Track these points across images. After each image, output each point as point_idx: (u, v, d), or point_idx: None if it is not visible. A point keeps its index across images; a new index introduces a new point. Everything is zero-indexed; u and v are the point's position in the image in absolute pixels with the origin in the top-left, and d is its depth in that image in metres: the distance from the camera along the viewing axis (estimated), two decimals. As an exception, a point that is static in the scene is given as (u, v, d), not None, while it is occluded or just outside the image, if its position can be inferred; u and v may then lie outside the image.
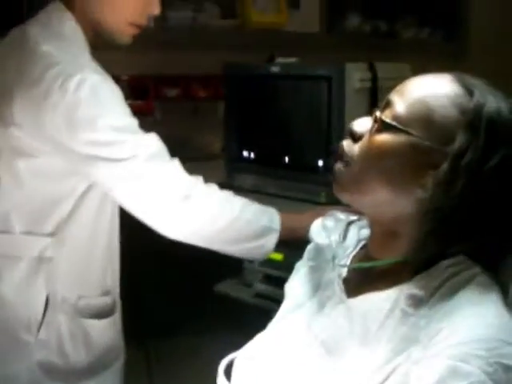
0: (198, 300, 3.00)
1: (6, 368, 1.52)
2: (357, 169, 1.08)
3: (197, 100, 3.67)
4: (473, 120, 1.01)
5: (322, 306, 1.17)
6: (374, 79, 2.24)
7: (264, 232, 1.65)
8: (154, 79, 3.48)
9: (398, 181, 1.04)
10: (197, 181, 1.54)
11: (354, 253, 1.24)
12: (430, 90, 1.06)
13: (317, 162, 2.25)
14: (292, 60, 2.38)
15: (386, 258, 1.10)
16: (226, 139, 2.57)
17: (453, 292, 0.99)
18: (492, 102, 1.03)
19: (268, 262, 2.38)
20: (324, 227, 1.33)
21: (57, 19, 1.52)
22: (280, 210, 2.34)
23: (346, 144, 1.12)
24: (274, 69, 2.33)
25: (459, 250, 1.04)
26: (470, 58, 4.23)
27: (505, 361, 0.89)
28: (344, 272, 1.20)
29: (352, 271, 1.19)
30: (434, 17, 4.38)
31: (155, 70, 3.46)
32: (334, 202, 2.16)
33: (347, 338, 1.06)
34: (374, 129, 1.07)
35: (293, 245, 2.34)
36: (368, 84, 2.24)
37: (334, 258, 1.23)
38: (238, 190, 2.47)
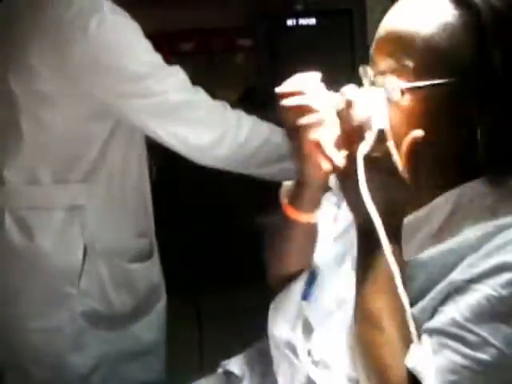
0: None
1: (49, 320, 1.51)
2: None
3: (212, 53, 3.69)
4: (489, 34, 0.86)
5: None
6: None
7: None
8: (167, 34, 3.48)
9: (451, 129, 0.88)
10: (225, 107, 1.53)
11: None
12: (426, 27, 0.87)
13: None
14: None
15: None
16: (257, 79, 2.63)
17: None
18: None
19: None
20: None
21: None
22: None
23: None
24: (299, 7, 2.35)
25: None
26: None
27: None
28: None
29: None
30: None
31: (168, 25, 3.46)
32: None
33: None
34: (395, 99, 0.89)
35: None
36: (390, 15, 2.20)
37: None
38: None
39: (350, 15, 2.16)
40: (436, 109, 0.87)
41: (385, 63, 0.91)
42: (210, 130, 1.46)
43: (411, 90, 0.87)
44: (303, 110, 1.03)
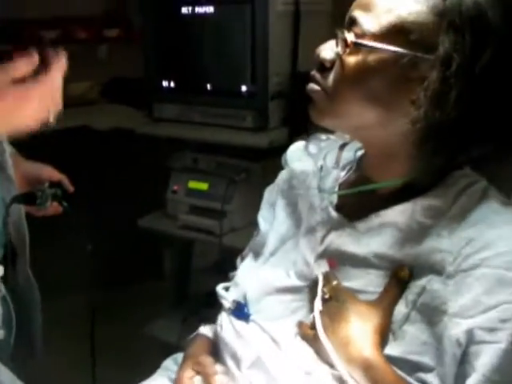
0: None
1: None
2: (335, 96, 1.00)
3: (76, 43, 3.56)
4: (452, 21, 0.91)
5: (309, 234, 1.11)
6: (297, 3, 2.20)
7: None
8: (28, 21, 3.35)
9: (386, 100, 0.96)
10: None
11: (343, 178, 1.16)
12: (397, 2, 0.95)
13: (241, 87, 2.22)
14: (213, -16, 2.32)
15: (388, 180, 1.03)
16: (145, 70, 2.50)
17: (473, 202, 0.95)
18: None
19: (193, 192, 2.38)
20: (307, 152, 1.23)
21: None
22: (206, 137, 2.34)
23: (317, 75, 1.03)
24: None
25: (463, 162, 1.00)
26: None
27: None
28: (334, 199, 1.12)
29: (344, 198, 1.11)
30: None
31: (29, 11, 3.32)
32: (260, 127, 2.22)
33: (360, 261, 1.01)
34: (346, 53, 0.98)
35: (216, 174, 2.36)
36: (291, 7, 2.20)
37: (319, 185, 1.15)
38: (160, 121, 2.45)
39: (252, 4, 2.13)
40: (379, 73, 0.96)
41: (351, 23, 0.99)
42: None
43: (361, 48, 0.96)
44: None
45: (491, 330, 0.84)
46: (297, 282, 1.08)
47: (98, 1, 3.60)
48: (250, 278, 1.16)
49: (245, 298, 1.12)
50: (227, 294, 1.18)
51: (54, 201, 1.52)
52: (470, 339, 0.85)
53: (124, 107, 3.37)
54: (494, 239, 0.89)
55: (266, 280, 1.12)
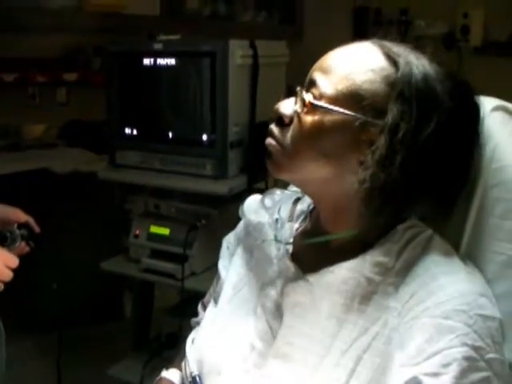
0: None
1: None
2: (291, 152, 1.05)
3: (35, 85, 3.63)
4: (401, 92, 0.98)
5: (268, 286, 1.14)
6: (255, 56, 2.32)
7: None
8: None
9: (337, 160, 1.02)
10: None
11: (299, 229, 1.20)
12: (354, 66, 1.02)
13: (201, 137, 2.31)
14: (175, 37, 2.41)
15: (340, 232, 1.08)
16: (108, 117, 2.55)
17: (415, 255, 0.99)
18: (418, 69, 1.00)
19: (155, 237, 2.44)
20: (263, 205, 1.27)
21: None
22: (168, 184, 2.41)
23: (276, 129, 1.08)
24: (157, 46, 2.35)
25: (410, 214, 1.05)
26: (304, 40, 4.42)
27: (482, 312, 0.92)
28: (290, 249, 1.16)
29: (300, 248, 1.15)
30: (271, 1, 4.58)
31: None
32: (220, 175, 2.30)
33: (312, 313, 1.04)
34: (304, 111, 1.04)
35: (177, 219, 2.43)
36: (249, 60, 2.32)
37: (275, 235, 1.18)
38: (122, 168, 2.51)
39: (213, 58, 2.22)
40: (333, 133, 1.01)
41: (311, 84, 1.06)
42: None
43: (318, 109, 1.02)
44: None
45: (435, 374, 0.89)
46: (255, 338, 1.12)
47: (56, 44, 3.67)
48: (209, 347, 1.18)
49: (199, 375, 1.16)
50: (189, 354, 1.23)
51: (22, 241, 1.58)
52: None
53: (83, 150, 3.42)
54: (434, 290, 0.94)
55: (223, 354, 1.14)
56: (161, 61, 2.36)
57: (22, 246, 1.59)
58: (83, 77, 3.71)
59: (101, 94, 2.62)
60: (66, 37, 3.67)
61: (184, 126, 2.38)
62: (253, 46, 2.32)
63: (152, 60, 2.38)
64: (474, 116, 1.05)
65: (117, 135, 2.52)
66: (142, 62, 2.40)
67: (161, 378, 1.30)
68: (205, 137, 2.30)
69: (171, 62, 2.34)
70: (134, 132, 2.48)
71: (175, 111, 2.39)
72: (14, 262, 1.36)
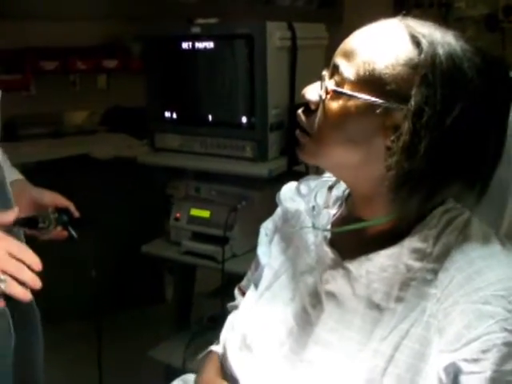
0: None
1: None
2: (318, 138, 1.04)
3: (75, 73, 3.69)
4: (425, 75, 0.95)
5: (307, 273, 1.15)
6: (294, 38, 2.31)
7: None
8: (30, 52, 3.43)
9: (364, 145, 1.00)
10: None
11: (335, 215, 1.20)
12: (376, 49, 1.00)
13: (241, 119, 2.31)
14: (212, 20, 2.41)
15: (375, 218, 1.06)
16: (147, 102, 2.57)
17: (453, 240, 0.99)
18: (442, 49, 0.96)
19: (195, 220, 2.46)
20: (299, 193, 1.28)
21: None
22: (208, 167, 2.42)
23: (303, 116, 1.08)
24: (195, 29, 2.35)
25: (445, 196, 1.04)
26: (344, 24, 4.40)
27: None
28: (328, 236, 1.16)
29: (337, 235, 1.14)
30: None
31: (32, 42, 3.41)
32: (260, 157, 2.31)
33: (352, 301, 1.05)
34: (328, 98, 1.03)
35: (217, 202, 2.44)
36: (288, 43, 2.30)
37: (313, 223, 1.19)
38: (162, 152, 2.53)
39: (250, 40, 2.22)
40: (358, 119, 1.00)
41: (334, 69, 1.05)
42: None
43: (340, 95, 1.01)
44: None
45: (475, 360, 0.89)
46: (293, 324, 1.13)
47: (96, 32, 3.71)
48: (250, 321, 1.20)
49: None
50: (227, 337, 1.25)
51: (60, 226, 1.57)
52: (457, 371, 0.91)
53: (124, 136, 3.46)
54: (472, 276, 0.93)
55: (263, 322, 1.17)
56: (199, 44, 2.36)
57: (58, 232, 1.57)
58: (123, 63, 3.77)
59: (140, 80, 2.66)
60: (106, 24, 3.71)
61: (223, 109, 2.38)
62: (291, 28, 2.31)
63: (190, 44, 2.38)
64: (507, 92, 1.01)
65: (156, 119, 2.54)
66: (180, 46, 2.40)
67: (210, 351, 1.32)
68: (244, 119, 2.31)
69: (209, 45, 2.34)
70: (174, 116, 2.49)
71: (214, 94, 2.39)
72: (19, 249, 1.13)
